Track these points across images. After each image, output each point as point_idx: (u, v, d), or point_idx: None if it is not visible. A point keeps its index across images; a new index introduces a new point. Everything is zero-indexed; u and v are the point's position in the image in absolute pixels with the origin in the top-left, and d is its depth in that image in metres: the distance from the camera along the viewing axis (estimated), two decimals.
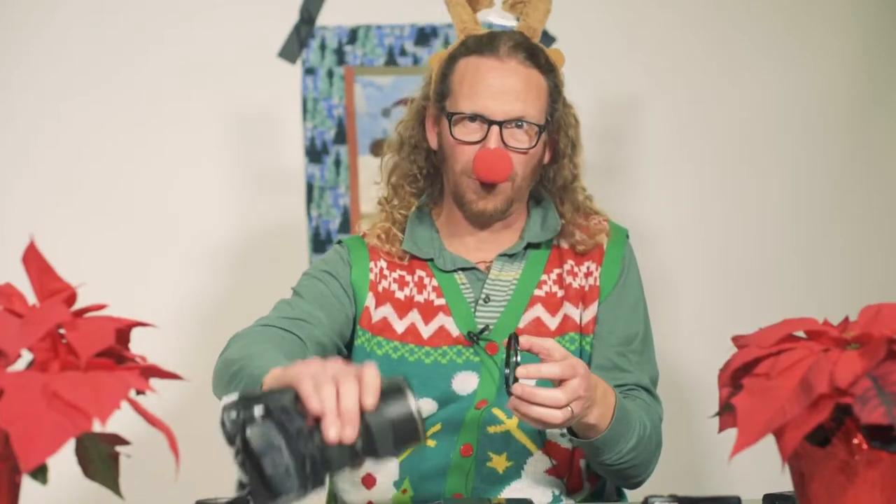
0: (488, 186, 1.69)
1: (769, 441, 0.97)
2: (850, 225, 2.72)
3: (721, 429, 1.03)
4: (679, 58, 2.68)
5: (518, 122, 1.67)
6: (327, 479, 1.08)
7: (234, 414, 1.03)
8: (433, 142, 1.77)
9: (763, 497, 1.41)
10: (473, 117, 1.67)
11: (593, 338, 1.71)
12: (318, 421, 1.04)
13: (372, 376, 1.06)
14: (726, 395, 1.04)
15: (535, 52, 1.70)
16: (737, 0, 2.70)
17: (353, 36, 2.59)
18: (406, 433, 1.07)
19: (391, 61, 2.59)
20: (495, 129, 1.65)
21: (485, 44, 1.70)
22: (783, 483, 1.15)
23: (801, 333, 1.04)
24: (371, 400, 1.05)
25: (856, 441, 0.97)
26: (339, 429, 1.03)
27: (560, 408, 1.38)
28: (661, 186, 2.67)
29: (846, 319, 1.06)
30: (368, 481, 1.68)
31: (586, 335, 1.71)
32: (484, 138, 1.66)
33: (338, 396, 1.04)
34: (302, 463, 1.02)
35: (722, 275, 2.68)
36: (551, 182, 1.78)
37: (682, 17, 2.69)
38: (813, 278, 2.69)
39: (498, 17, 1.80)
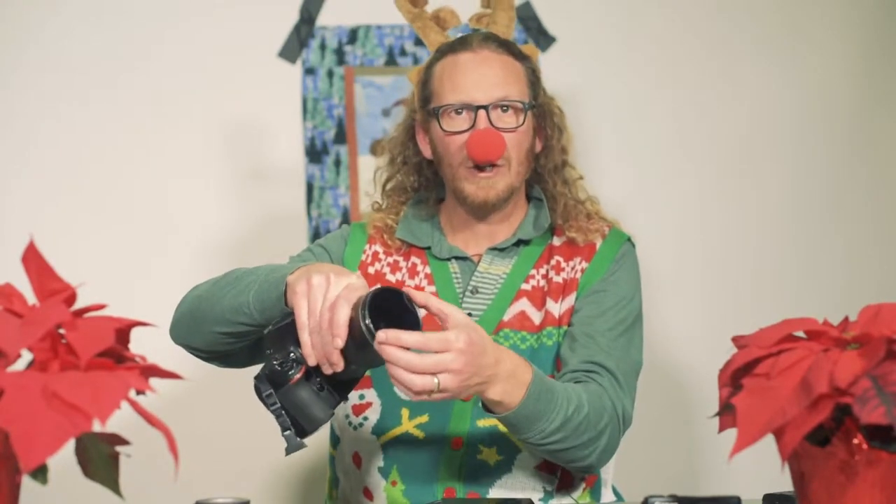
0: (485, 169, 1.70)
1: (769, 441, 0.97)
2: (850, 225, 2.72)
3: (721, 429, 1.03)
4: (679, 58, 2.68)
5: (502, 102, 1.70)
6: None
7: (265, 389, 1.38)
8: (426, 151, 1.79)
9: (763, 497, 1.41)
10: (459, 108, 1.70)
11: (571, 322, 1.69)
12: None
13: (340, 316, 1.31)
14: (726, 395, 1.04)
15: (507, 42, 1.76)
16: (737, 0, 2.71)
17: (353, 36, 2.59)
18: (364, 342, 1.30)
19: (391, 61, 2.59)
20: (482, 113, 1.69)
21: (457, 43, 1.76)
22: (783, 483, 1.15)
23: (801, 333, 1.04)
24: (339, 342, 1.31)
25: (856, 441, 0.97)
26: (328, 367, 1.35)
27: (418, 374, 1.30)
28: (661, 186, 2.67)
29: (846, 319, 1.06)
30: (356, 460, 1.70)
31: (562, 327, 1.69)
32: (473, 125, 1.69)
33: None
34: (318, 396, 1.38)
35: (722, 275, 2.68)
36: (543, 168, 1.80)
37: (682, 17, 2.69)
38: (813, 278, 2.69)
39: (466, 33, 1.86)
